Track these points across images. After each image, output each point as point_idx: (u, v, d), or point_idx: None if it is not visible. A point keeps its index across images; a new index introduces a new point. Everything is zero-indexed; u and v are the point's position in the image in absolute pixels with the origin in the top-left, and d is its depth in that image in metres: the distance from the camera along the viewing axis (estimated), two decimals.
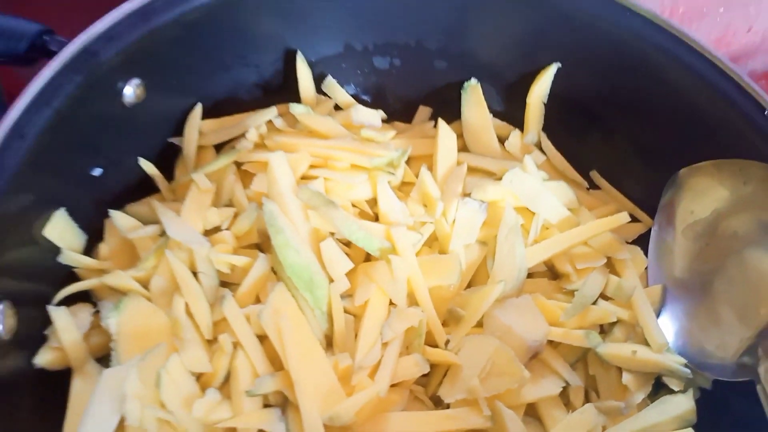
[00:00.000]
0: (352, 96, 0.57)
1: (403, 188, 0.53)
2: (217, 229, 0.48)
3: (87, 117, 0.44)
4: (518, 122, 0.58)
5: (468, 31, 0.56)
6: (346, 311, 0.46)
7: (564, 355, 0.49)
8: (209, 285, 0.45)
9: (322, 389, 0.42)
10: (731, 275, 0.49)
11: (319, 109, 0.55)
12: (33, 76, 0.41)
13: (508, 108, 0.59)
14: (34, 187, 0.42)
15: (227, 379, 0.44)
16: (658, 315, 0.50)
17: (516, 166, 0.51)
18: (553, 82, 0.56)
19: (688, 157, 0.52)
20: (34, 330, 0.43)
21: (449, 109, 0.57)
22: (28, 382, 0.41)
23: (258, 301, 0.46)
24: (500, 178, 0.51)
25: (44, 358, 0.42)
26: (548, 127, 0.58)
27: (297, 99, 0.55)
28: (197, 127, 0.51)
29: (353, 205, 0.50)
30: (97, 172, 0.47)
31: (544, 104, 0.57)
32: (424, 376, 0.47)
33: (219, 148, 0.53)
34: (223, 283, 0.47)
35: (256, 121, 0.51)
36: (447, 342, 0.47)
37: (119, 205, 0.49)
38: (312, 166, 0.50)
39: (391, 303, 0.47)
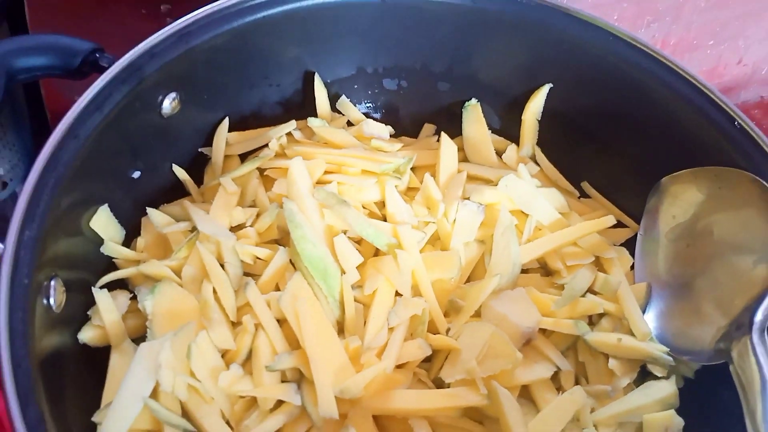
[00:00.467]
0: (364, 114, 0.64)
1: (409, 193, 0.58)
2: (241, 227, 0.53)
3: (130, 124, 0.50)
4: (515, 139, 0.64)
5: (468, 56, 0.62)
6: (356, 300, 0.51)
7: (555, 343, 0.53)
8: (234, 274, 0.50)
9: (334, 366, 0.47)
10: (710, 272, 0.53)
11: (334, 125, 0.60)
12: (78, 95, 0.47)
13: (505, 125, 0.64)
14: (83, 183, 0.47)
15: (249, 357, 0.48)
16: (643, 311, 0.55)
17: (511, 173, 0.57)
18: (548, 101, 0.62)
19: (670, 167, 0.57)
20: (79, 313, 0.48)
21: (452, 126, 0.63)
22: (72, 355, 0.46)
23: (278, 289, 0.51)
24: (497, 185, 0.57)
25: (87, 335, 0.47)
26: (542, 142, 0.64)
27: (314, 116, 0.61)
28: (225, 139, 0.57)
29: (363, 207, 0.55)
30: (135, 174, 0.53)
31: (538, 121, 0.62)
32: (427, 361, 0.51)
33: (243, 157, 0.59)
34: (246, 274, 0.52)
35: (278, 133, 0.57)
36: (448, 330, 0.52)
37: (153, 206, 0.54)
38: (326, 172, 0.55)
39: (397, 293, 0.52)
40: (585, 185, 0.63)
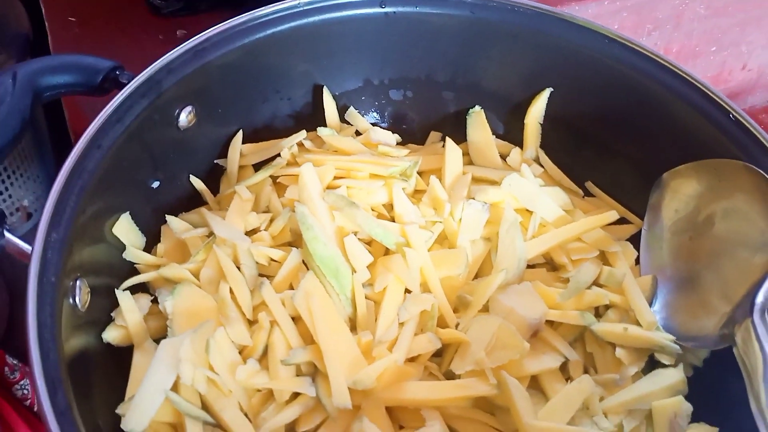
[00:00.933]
0: (372, 124, 0.66)
1: (416, 195, 0.60)
2: (256, 230, 0.56)
3: (149, 136, 0.53)
4: (518, 143, 0.66)
5: (471, 65, 0.64)
6: (367, 297, 0.52)
7: (563, 335, 0.54)
8: (250, 274, 0.52)
9: (347, 359, 0.48)
10: (713, 262, 0.55)
11: (343, 134, 0.63)
12: (98, 112, 0.50)
13: (509, 131, 0.66)
14: (106, 191, 0.49)
15: (265, 353, 0.50)
16: (650, 303, 0.56)
17: (514, 173, 0.59)
18: (549, 106, 0.64)
19: (671, 164, 0.59)
20: (104, 315, 0.51)
21: (456, 133, 0.65)
22: (98, 354, 0.48)
23: (291, 288, 0.53)
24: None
25: (111, 335, 0.49)
26: (545, 146, 0.65)
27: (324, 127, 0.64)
28: (239, 150, 0.60)
29: (372, 209, 0.57)
30: (155, 184, 0.56)
31: (541, 124, 0.64)
32: (437, 355, 0.53)
33: (257, 168, 0.61)
34: (261, 275, 0.54)
35: (289, 143, 0.60)
36: (457, 325, 0.53)
37: (172, 214, 0.56)
38: (336, 177, 0.58)
39: (406, 291, 0.53)
40: (589, 185, 0.64)
